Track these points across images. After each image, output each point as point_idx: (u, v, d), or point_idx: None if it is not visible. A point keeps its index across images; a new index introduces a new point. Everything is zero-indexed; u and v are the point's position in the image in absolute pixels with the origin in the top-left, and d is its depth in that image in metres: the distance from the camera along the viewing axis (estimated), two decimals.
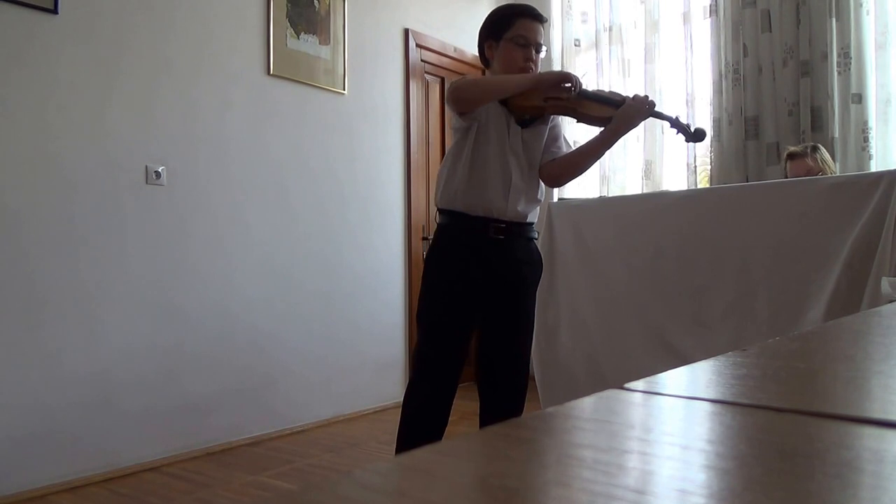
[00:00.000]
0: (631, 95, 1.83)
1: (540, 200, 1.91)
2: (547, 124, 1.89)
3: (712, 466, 0.25)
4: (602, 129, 1.83)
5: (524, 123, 1.85)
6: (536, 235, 1.93)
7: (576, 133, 3.63)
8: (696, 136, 1.84)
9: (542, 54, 1.89)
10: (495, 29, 1.87)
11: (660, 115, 1.85)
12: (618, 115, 1.79)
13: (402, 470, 0.26)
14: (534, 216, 1.89)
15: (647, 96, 1.81)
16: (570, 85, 1.73)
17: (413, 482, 0.24)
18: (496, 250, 1.81)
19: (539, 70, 1.87)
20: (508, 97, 1.77)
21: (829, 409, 0.34)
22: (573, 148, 1.95)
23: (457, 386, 1.82)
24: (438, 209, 1.87)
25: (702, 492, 0.23)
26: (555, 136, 1.92)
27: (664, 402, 0.36)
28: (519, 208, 1.82)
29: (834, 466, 0.24)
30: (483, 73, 2.09)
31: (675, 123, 1.84)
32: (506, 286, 1.84)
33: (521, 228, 1.84)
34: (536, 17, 1.87)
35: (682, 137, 1.87)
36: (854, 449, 0.27)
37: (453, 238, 1.83)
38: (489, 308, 1.85)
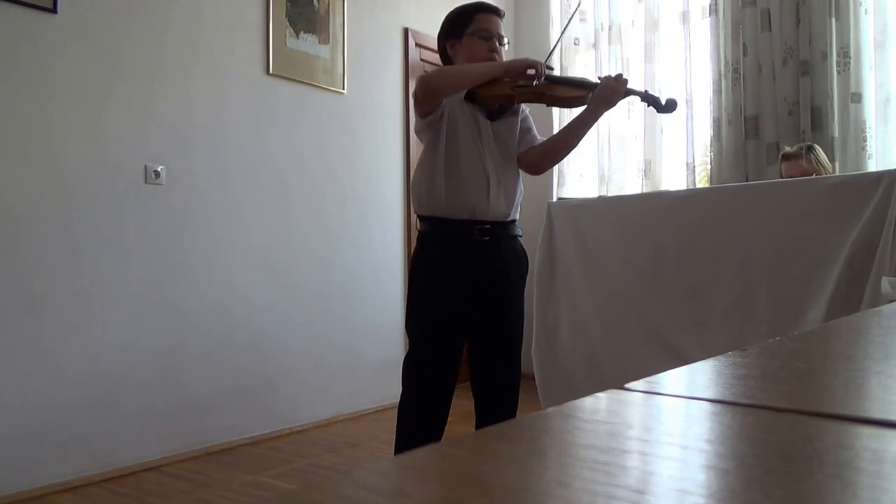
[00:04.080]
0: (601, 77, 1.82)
1: (520, 195, 1.89)
2: (518, 115, 1.88)
3: (712, 466, 0.25)
4: (581, 110, 1.83)
5: (493, 116, 1.83)
6: (521, 233, 1.91)
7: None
8: (667, 107, 1.81)
9: (506, 47, 1.90)
10: (455, 27, 1.88)
11: (632, 92, 1.82)
12: (595, 96, 1.78)
13: (402, 470, 0.26)
14: (515, 213, 1.88)
15: (620, 75, 1.80)
16: (534, 72, 1.72)
17: (413, 482, 0.24)
18: (482, 253, 1.80)
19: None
20: (477, 91, 1.75)
21: (828, 409, 0.34)
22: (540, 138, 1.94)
23: (452, 394, 1.82)
24: (419, 216, 1.86)
25: (701, 492, 0.23)
26: (528, 127, 1.92)
27: (664, 402, 0.36)
28: (501, 206, 1.81)
29: (833, 466, 0.25)
30: None
31: (646, 97, 1.82)
32: (493, 288, 1.83)
33: (504, 228, 1.83)
34: (495, 11, 1.89)
35: (654, 111, 1.86)
36: (854, 449, 0.27)
37: (437, 245, 1.82)
38: (478, 311, 1.84)
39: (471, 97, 1.78)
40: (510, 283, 1.86)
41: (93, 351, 2.47)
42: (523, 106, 1.93)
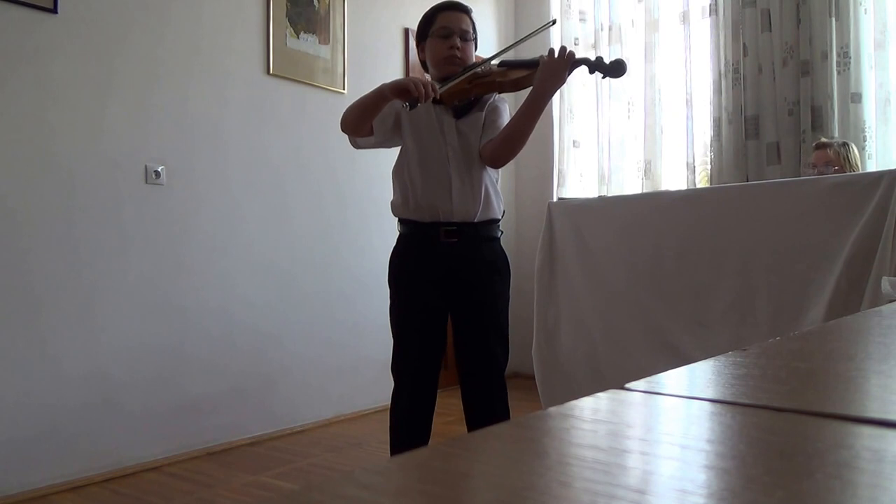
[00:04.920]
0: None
1: (494, 194, 1.85)
2: (483, 110, 1.84)
3: (712, 466, 0.25)
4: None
5: (459, 114, 1.82)
6: (499, 234, 1.88)
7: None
8: (614, 69, 1.73)
9: (475, 42, 1.87)
10: (421, 30, 1.89)
11: (580, 62, 1.75)
12: (539, 74, 1.73)
13: (402, 470, 0.26)
14: (491, 213, 1.84)
15: (563, 48, 1.74)
16: (412, 92, 1.62)
17: (413, 482, 0.24)
18: (453, 255, 1.79)
19: (471, 55, 1.86)
20: (441, 94, 1.71)
21: (828, 409, 0.34)
22: None
23: (435, 392, 1.83)
24: (398, 219, 1.88)
25: (702, 491, 0.23)
26: (493, 119, 1.83)
27: (664, 401, 0.36)
28: (468, 206, 1.79)
29: (833, 466, 0.25)
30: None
31: (593, 64, 1.75)
32: (467, 288, 1.82)
33: (474, 229, 1.81)
34: (456, 7, 1.86)
35: (601, 76, 1.76)
36: (853, 448, 0.27)
37: (408, 247, 1.85)
38: (457, 313, 1.85)
39: (434, 99, 1.74)
40: (488, 284, 1.83)
41: (93, 351, 2.47)
42: (496, 99, 1.88)
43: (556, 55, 1.73)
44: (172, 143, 2.73)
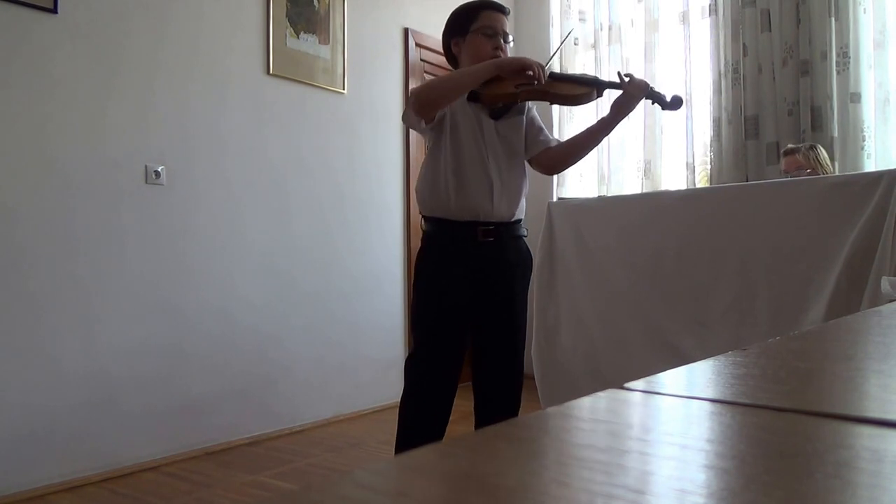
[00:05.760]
0: (615, 77, 1.80)
1: (524, 195, 1.89)
2: (523, 114, 1.86)
3: (712, 466, 0.25)
4: (600, 118, 1.84)
5: (497, 115, 1.82)
6: (525, 233, 1.91)
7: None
8: (672, 104, 1.81)
9: (511, 45, 1.88)
10: (460, 25, 1.86)
11: (653, 94, 1.81)
12: (618, 101, 1.77)
13: (402, 470, 0.26)
14: (520, 212, 1.87)
15: (631, 76, 1.78)
16: (532, 73, 1.66)
17: (413, 482, 0.24)
18: (486, 254, 1.80)
19: None
20: (480, 90, 1.72)
21: (828, 409, 0.34)
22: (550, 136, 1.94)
23: (454, 393, 1.82)
24: (424, 217, 1.86)
25: (701, 491, 0.23)
26: (540, 126, 1.90)
27: (664, 401, 0.36)
28: (505, 207, 1.80)
29: (833, 466, 0.25)
30: None
31: (656, 96, 1.81)
32: (497, 289, 1.83)
33: (509, 228, 1.83)
34: (500, 9, 1.86)
35: (657, 109, 1.87)
36: (853, 448, 0.27)
37: (442, 246, 1.82)
38: (482, 311, 1.84)
39: (474, 97, 1.76)
40: (514, 283, 1.86)
41: (92, 351, 2.47)
42: (530, 104, 1.91)
43: (636, 86, 1.75)
44: (172, 143, 2.73)
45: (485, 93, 1.74)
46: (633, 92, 1.76)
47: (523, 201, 1.89)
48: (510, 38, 1.87)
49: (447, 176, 1.78)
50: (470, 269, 1.80)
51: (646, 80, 1.80)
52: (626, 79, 1.78)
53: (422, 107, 1.70)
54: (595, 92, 1.80)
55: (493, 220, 1.79)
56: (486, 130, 1.81)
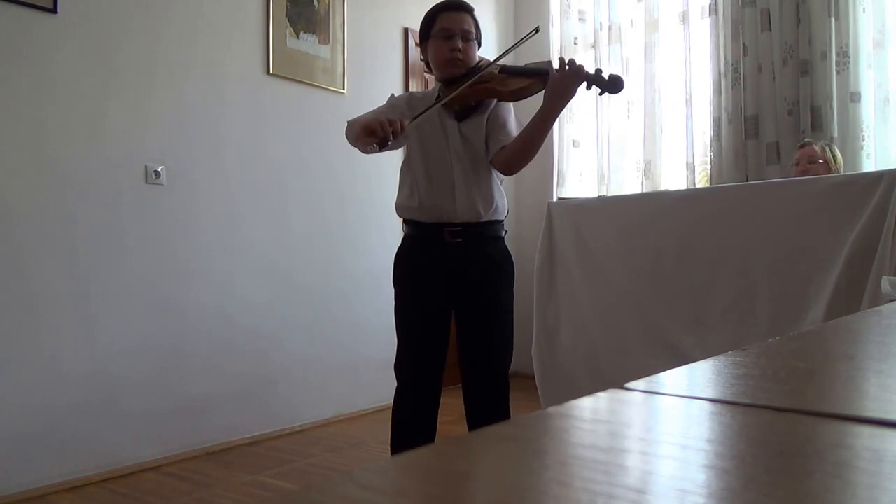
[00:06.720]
0: (554, 64, 1.75)
1: (499, 194, 1.86)
2: (485, 113, 1.84)
3: (712, 466, 0.25)
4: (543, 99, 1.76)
5: (461, 117, 1.83)
6: (503, 233, 1.89)
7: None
8: (611, 85, 1.72)
9: (478, 42, 1.86)
10: (423, 31, 1.89)
11: (590, 77, 1.73)
12: (549, 91, 1.72)
13: (402, 469, 0.26)
14: (496, 213, 1.84)
15: (572, 60, 1.72)
16: (375, 135, 1.61)
17: (413, 482, 0.24)
18: (454, 255, 1.80)
19: (474, 55, 1.84)
20: (440, 94, 1.76)
21: (828, 409, 0.34)
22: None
23: (440, 391, 1.85)
24: (402, 220, 1.90)
25: (701, 491, 0.23)
26: (501, 124, 1.83)
27: (664, 401, 0.36)
28: (469, 208, 1.79)
29: (833, 466, 0.25)
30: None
31: (596, 79, 1.73)
32: (472, 291, 1.83)
33: (479, 228, 1.82)
34: (457, 7, 1.85)
35: (599, 91, 1.76)
36: (853, 448, 0.27)
37: (413, 247, 1.86)
38: (459, 311, 1.86)
39: (436, 101, 1.78)
40: (489, 284, 1.84)
41: (92, 351, 2.47)
42: (497, 102, 1.87)
43: (567, 71, 1.70)
44: (172, 143, 2.73)
45: (443, 96, 1.76)
46: (560, 77, 1.70)
47: (502, 202, 1.87)
48: (472, 35, 1.83)
49: (416, 178, 1.83)
50: (442, 271, 1.81)
51: (583, 65, 1.72)
52: (567, 67, 1.71)
53: (353, 144, 1.81)
54: (540, 81, 1.75)
55: (459, 220, 1.79)
56: (449, 133, 1.82)
